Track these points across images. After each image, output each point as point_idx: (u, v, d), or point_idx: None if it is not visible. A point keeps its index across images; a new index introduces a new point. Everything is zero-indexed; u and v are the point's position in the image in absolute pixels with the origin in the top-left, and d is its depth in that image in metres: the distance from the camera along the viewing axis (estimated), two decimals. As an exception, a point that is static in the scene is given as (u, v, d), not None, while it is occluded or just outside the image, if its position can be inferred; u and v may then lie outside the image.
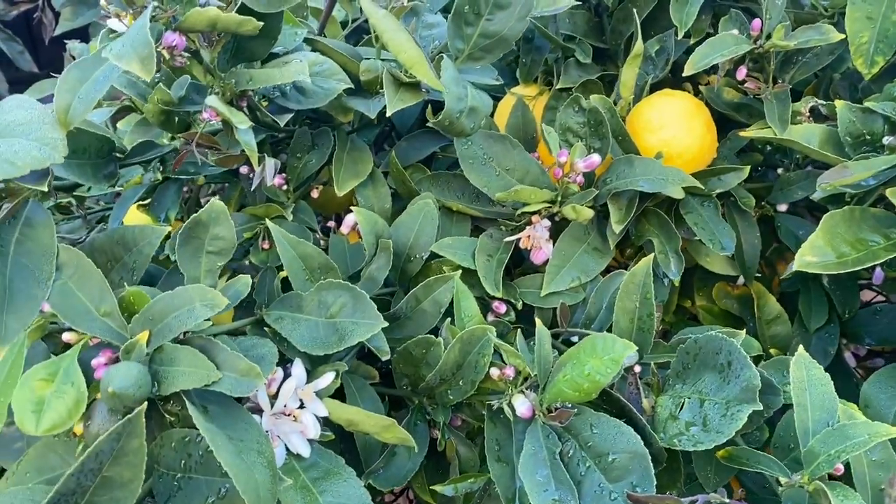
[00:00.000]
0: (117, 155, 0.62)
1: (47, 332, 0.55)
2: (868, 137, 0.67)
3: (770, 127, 0.70)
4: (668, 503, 0.46)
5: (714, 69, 0.77)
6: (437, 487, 0.60)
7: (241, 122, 0.57)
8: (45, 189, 0.47)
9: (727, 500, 0.46)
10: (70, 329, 0.51)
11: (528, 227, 0.69)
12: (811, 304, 0.81)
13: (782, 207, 0.79)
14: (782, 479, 0.50)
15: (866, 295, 0.95)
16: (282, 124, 0.65)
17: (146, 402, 0.42)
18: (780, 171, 0.80)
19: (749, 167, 0.73)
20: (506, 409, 0.58)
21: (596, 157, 0.66)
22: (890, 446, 0.53)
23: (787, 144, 0.70)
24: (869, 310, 0.83)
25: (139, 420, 0.41)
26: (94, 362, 0.50)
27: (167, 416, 0.51)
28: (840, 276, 0.82)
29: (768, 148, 0.80)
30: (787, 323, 0.82)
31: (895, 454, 0.53)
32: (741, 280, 0.83)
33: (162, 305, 0.50)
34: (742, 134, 0.73)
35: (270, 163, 0.58)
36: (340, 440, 0.62)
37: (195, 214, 0.54)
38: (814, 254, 0.61)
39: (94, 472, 0.41)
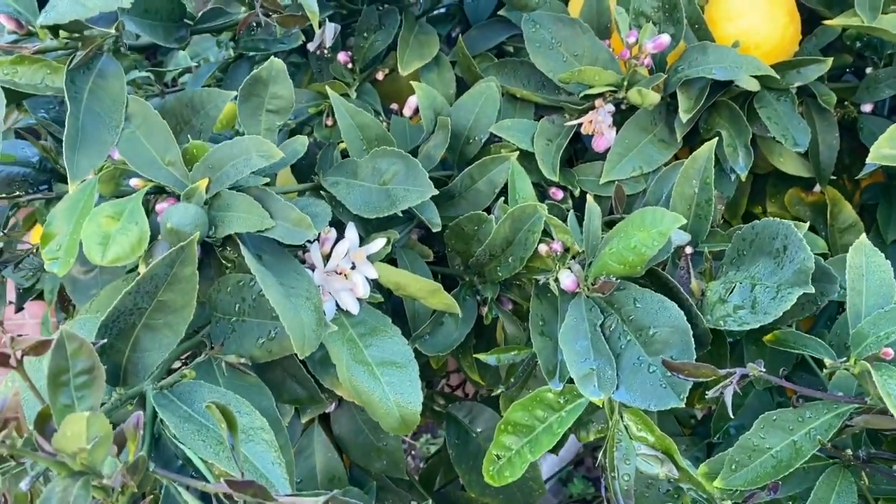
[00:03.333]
0: (187, 22, 0.64)
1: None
2: (967, 26, 0.62)
3: (858, 16, 0.66)
4: (703, 371, 0.45)
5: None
6: (481, 356, 0.61)
7: (305, -15, 0.57)
8: (114, 31, 0.48)
9: (763, 371, 0.45)
10: (137, 175, 0.53)
11: (590, 112, 0.68)
12: (891, 213, 0.77)
13: (867, 108, 0.74)
14: (828, 362, 0.48)
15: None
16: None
17: (198, 233, 0.44)
18: (868, 70, 0.75)
19: (832, 59, 0.69)
20: (552, 284, 0.58)
21: (665, 38, 0.64)
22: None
23: (876, 34, 0.66)
24: (954, 224, 0.78)
25: (192, 248, 0.43)
26: (157, 207, 0.53)
27: (224, 262, 0.54)
28: (925, 186, 0.77)
29: (857, 45, 0.75)
30: (861, 233, 0.76)
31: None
32: (817, 188, 0.80)
33: (220, 154, 0.52)
34: (827, 23, 0.69)
35: (330, 26, 0.59)
36: (392, 315, 0.63)
37: (255, 71, 0.55)
38: (892, 146, 0.58)
39: (150, 295, 0.44)
